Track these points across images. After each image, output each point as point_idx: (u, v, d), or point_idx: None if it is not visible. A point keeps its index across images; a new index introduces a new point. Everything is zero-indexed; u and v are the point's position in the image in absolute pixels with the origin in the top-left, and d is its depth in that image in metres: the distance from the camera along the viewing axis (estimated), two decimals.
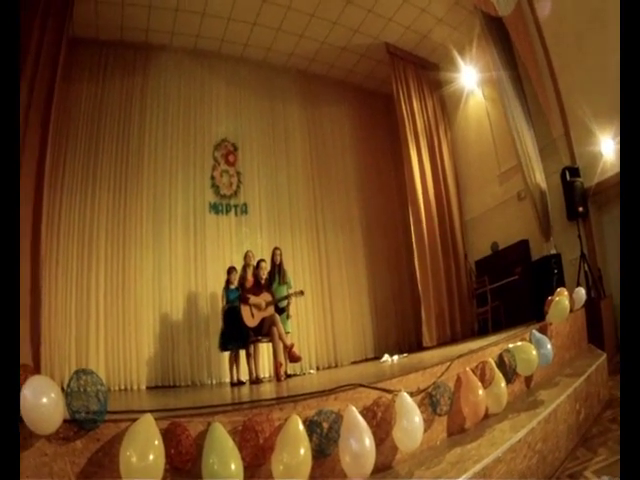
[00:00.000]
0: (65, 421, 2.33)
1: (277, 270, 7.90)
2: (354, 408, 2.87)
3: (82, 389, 2.45)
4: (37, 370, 2.82)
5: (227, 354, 7.54)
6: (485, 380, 3.77)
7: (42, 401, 2.22)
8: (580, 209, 7.60)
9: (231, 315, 7.23)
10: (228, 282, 7.61)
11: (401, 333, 10.82)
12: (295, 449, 2.56)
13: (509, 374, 4.05)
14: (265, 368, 8.36)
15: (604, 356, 5.37)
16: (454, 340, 9.29)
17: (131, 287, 8.45)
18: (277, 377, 6.62)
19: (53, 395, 2.28)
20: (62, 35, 7.43)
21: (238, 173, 9.99)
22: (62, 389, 2.45)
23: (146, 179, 9.07)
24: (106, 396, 2.50)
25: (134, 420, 2.41)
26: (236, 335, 7.13)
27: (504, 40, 8.87)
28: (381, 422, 3.04)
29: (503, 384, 3.81)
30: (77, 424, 2.35)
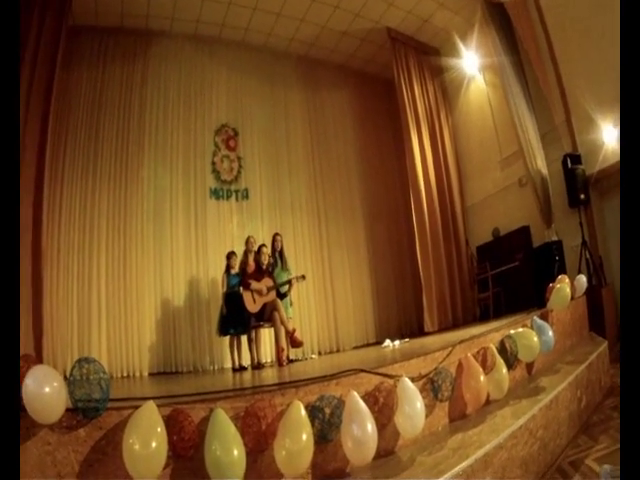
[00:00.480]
0: (68, 410, 2.35)
1: (278, 256, 7.91)
2: (356, 393, 2.89)
3: (84, 377, 2.47)
4: (39, 360, 2.83)
5: (227, 339, 7.57)
6: (486, 366, 3.79)
7: (45, 390, 2.24)
8: (581, 196, 7.57)
9: (232, 300, 7.23)
10: (228, 267, 7.61)
11: (403, 318, 10.84)
12: (297, 435, 2.58)
13: (510, 360, 4.07)
14: (267, 353, 8.39)
15: (605, 344, 5.38)
16: (455, 325, 9.31)
17: (132, 274, 8.45)
18: (279, 362, 6.63)
19: (55, 384, 2.30)
20: (61, 23, 7.42)
21: (239, 158, 9.97)
22: (64, 378, 2.46)
23: (147, 165, 9.05)
24: (108, 384, 2.51)
25: (137, 407, 2.43)
26: (237, 320, 7.14)
27: (506, 25, 8.85)
28: (383, 407, 3.06)
29: (504, 370, 3.83)
30: (80, 413, 2.37)
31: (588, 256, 7.32)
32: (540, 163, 8.30)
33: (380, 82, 12.03)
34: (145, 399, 2.51)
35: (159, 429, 2.36)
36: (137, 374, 8.02)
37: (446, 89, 11.28)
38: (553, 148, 8.29)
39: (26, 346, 6.22)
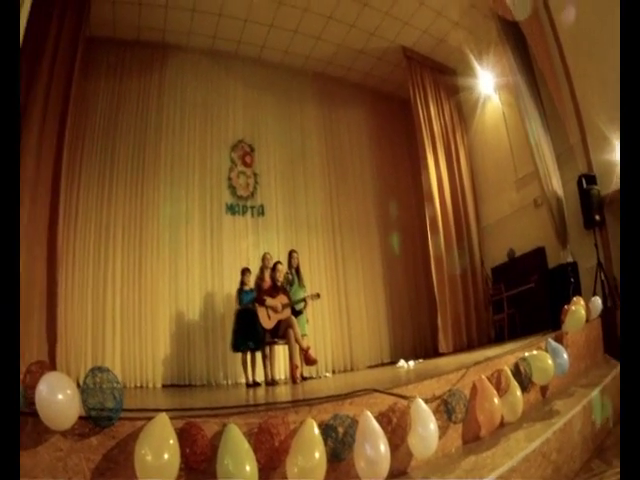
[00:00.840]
0: (80, 418, 2.36)
1: (295, 273, 7.94)
2: (369, 413, 2.88)
3: (98, 386, 2.48)
4: (53, 366, 2.84)
5: (240, 355, 7.58)
6: (500, 388, 3.77)
7: (58, 397, 2.26)
8: (597, 217, 7.52)
9: (245, 316, 7.28)
10: (242, 283, 7.64)
11: (417, 338, 10.80)
12: (310, 452, 2.57)
13: (525, 383, 4.04)
14: (281, 370, 8.40)
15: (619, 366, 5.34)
16: (470, 347, 9.29)
17: (147, 286, 8.52)
18: (293, 379, 6.66)
19: (69, 391, 2.32)
20: (79, 34, 7.56)
21: (255, 174, 10.05)
22: (77, 385, 2.48)
23: (163, 178, 9.14)
24: (122, 394, 2.52)
25: (150, 419, 2.44)
26: (248, 336, 7.16)
27: (520, 44, 8.86)
28: (396, 428, 3.04)
29: (519, 393, 3.80)
30: (92, 421, 2.38)
31: (603, 278, 7.25)
32: (555, 184, 8.27)
33: (396, 101, 12.09)
34: (158, 411, 2.52)
35: (172, 441, 2.36)
36: (150, 385, 8.06)
37: (462, 108, 11.30)
38: (568, 168, 8.25)
39: (40, 352, 6.27)
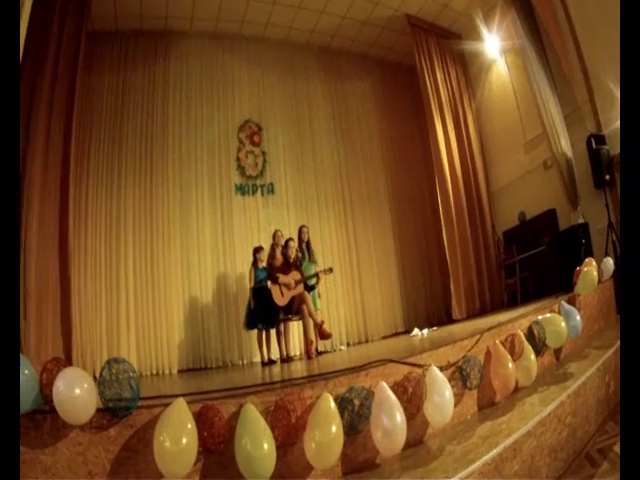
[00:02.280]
0: (98, 410, 2.39)
1: (305, 247, 7.97)
2: (385, 384, 2.91)
3: (114, 378, 2.50)
4: (69, 362, 2.86)
5: (255, 334, 7.65)
6: (515, 353, 3.79)
7: (75, 392, 2.28)
8: (607, 177, 7.46)
9: (260, 294, 7.32)
10: (256, 261, 7.68)
11: (430, 306, 10.83)
12: (327, 427, 2.60)
13: (538, 346, 4.05)
14: (296, 346, 8.50)
15: None
16: (483, 312, 9.29)
17: (160, 272, 8.60)
18: (308, 355, 6.69)
19: (86, 385, 2.34)
20: (81, 29, 7.53)
21: (263, 153, 10.05)
22: (94, 378, 2.50)
23: (171, 163, 9.19)
24: (138, 383, 2.54)
25: (167, 405, 2.46)
26: (265, 314, 7.22)
27: (526, 6, 8.76)
28: (412, 397, 3.07)
29: (533, 357, 3.82)
30: (110, 412, 2.41)
31: (614, 238, 7.23)
32: (564, 145, 8.22)
33: (402, 69, 12.01)
34: (175, 396, 2.55)
35: (189, 425, 2.38)
36: (166, 372, 8.17)
37: (468, 73, 11.21)
38: (577, 129, 8.17)
39: (55, 349, 6.35)
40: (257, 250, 7.77)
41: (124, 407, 2.43)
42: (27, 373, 2.32)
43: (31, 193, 6.46)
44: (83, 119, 8.31)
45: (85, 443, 2.36)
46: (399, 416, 2.76)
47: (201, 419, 2.49)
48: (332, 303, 9.67)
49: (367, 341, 9.79)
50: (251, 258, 7.83)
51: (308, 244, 8.02)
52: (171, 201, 8.99)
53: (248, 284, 7.78)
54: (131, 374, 2.56)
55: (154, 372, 8.11)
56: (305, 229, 8.10)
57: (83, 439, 2.36)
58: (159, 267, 8.60)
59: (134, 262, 8.50)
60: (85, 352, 7.60)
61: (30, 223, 6.37)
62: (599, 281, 5.29)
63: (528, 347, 3.88)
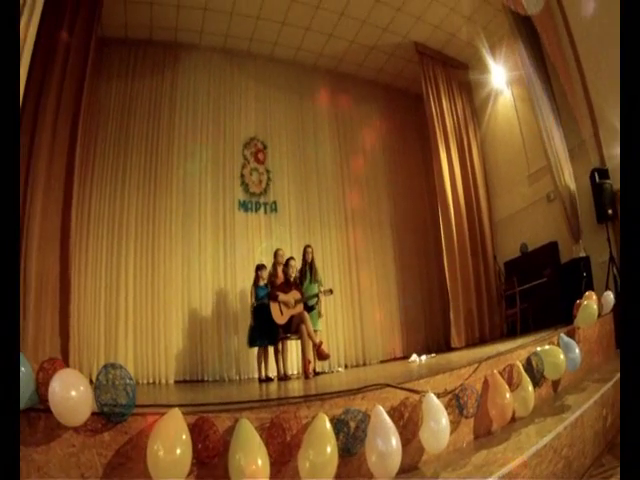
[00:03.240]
0: (93, 414, 2.38)
1: (308, 268, 7.97)
2: (381, 408, 2.89)
3: (110, 383, 2.51)
4: (66, 363, 2.86)
5: (255, 350, 7.63)
6: (512, 383, 3.78)
7: (71, 394, 2.28)
8: (609, 211, 7.49)
9: (260, 312, 7.31)
10: (257, 279, 7.68)
11: (429, 333, 10.79)
12: (322, 447, 2.59)
13: (536, 378, 4.05)
14: (294, 365, 8.47)
15: None
16: (482, 341, 9.28)
17: (160, 282, 8.57)
18: (305, 374, 6.67)
19: (82, 388, 2.34)
20: (91, 35, 7.58)
21: (267, 171, 10.08)
22: (90, 382, 2.51)
23: (175, 176, 9.19)
24: (134, 390, 2.54)
25: (162, 414, 2.46)
26: (265, 332, 7.21)
27: (533, 39, 8.83)
28: (408, 422, 3.07)
29: (530, 388, 3.81)
30: (105, 417, 2.40)
31: (616, 272, 7.23)
32: (568, 178, 8.25)
33: (408, 96, 12.08)
34: (171, 406, 2.54)
35: (184, 436, 2.38)
36: (163, 381, 8.11)
37: (474, 103, 11.28)
38: (581, 162, 8.21)
39: (52, 349, 6.32)
40: (259, 268, 7.78)
41: (119, 413, 2.43)
42: (23, 370, 2.32)
43: (35, 195, 6.47)
44: (89, 124, 8.30)
45: (79, 445, 2.35)
46: (394, 441, 2.74)
47: (196, 431, 2.49)
48: (331, 324, 9.63)
49: (365, 364, 9.75)
50: (252, 275, 7.83)
51: (312, 264, 8.01)
52: (174, 211, 8.99)
53: (250, 301, 7.77)
54: (128, 381, 2.56)
55: (150, 380, 8.06)
56: (309, 249, 8.09)
57: (77, 441, 2.35)
58: (159, 276, 8.58)
59: (134, 269, 8.48)
60: (82, 355, 7.56)
61: (32, 224, 6.37)
62: (599, 315, 5.30)
63: (526, 378, 3.87)
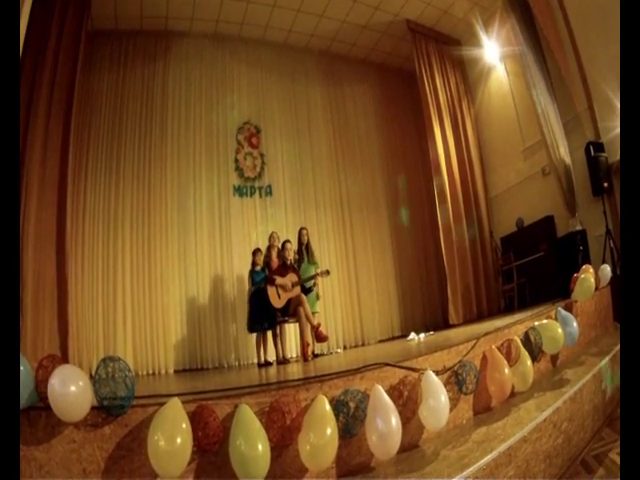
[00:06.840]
0: (93, 408, 2.39)
1: (305, 249, 7.95)
2: (380, 387, 2.90)
3: (110, 376, 2.50)
4: (65, 359, 2.86)
5: (254, 335, 7.63)
6: (511, 358, 3.78)
7: (70, 390, 2.28)
8: (605, 184, 7.48)
9: (257, 297, 7.29)
10: (254, 264, 7.68)
11: (427, 311, 10.83)
12: (322, 429, 2.60)
13: (535, 352, 4.06)
14: (292, 348, 8.45)
15: None
16: (480, 317, 9.29)
17: (157, 272, 8.57)
18: (304, 357, 6.66)
19: (81, 383, 2.34)
20: (81, 28, 7.54)
21: (262, 155, 10.03)
22: (90, 376, 2.50)
23: (170, 164, 9.16)
24: (133, 382, 2.54)
25: (162, 404, 2.46)
26: (263, 316, 7.19)
27: (526, 13, 8.78)
28: (407, 401, 3.06)
29: (529, 362, 3.81)
30: (105, 411, 2.41)
31: (612, 245, 7.23)
32: (563, 152, 8.22)
33: (402, 74, 12.01)
34: (170, 396, 2.54)
35: (184, 425, 2.38)
36: (162, 371, 8.14)
37: (467, 79, 11.23)
38: (575, 136, 8.20)
39: (52, 346, 6.32)
40: (255, 252, 7.78)
41: (119, 406, 2.42)
42: (22, 369, 2.32)
43: (29, 190, 6.45)
44: (82, 117, 8.30)
45: (79, 441, 2.35)
46: (394, 420, 2.75)
47: (196, 419, 2.48)
48: (329, 306, 9.64)
49: (363, 344, 9.78)
50: (249, 260, 7.84)
51: (308, 246, 7.98)
52: (169, 200, 8.97)
53: (247, 286, 7.78)
54: (127, 373, 2.55)
55: (150, 372, 8.08)
56: (305, 231, 8.06)
57: (77, 437, 2.35)
58: (156, 266, 8.57)
59: (131, 261, 8.46)
60: (81, 350, 7.56)
61: (28, 220, 6.37)
62: (596, 288, 5.31)
63: (524, 353, 3.87)
